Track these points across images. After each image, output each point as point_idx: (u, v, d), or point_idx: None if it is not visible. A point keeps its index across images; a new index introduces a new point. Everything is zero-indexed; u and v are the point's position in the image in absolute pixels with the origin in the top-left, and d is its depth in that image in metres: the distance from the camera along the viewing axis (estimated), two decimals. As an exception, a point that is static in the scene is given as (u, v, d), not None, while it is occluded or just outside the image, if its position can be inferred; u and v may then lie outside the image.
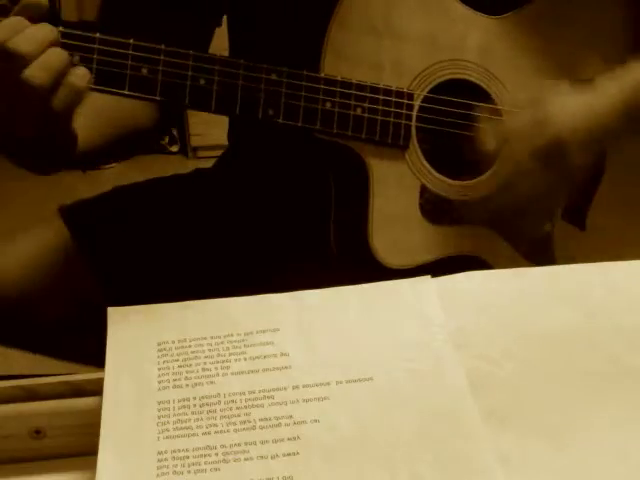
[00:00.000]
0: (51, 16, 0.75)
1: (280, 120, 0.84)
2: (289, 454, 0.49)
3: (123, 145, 0.99)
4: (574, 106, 0.85)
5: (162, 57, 0.81)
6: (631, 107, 0.86)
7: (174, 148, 3.00)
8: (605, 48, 0.93)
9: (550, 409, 0.51)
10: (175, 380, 0.54)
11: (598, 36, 0.94)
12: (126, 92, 0.80)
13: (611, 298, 0.59)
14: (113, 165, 2.91)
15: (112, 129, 0.93)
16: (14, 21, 0.72)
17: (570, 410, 0.51)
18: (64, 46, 0.75)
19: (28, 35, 0.72)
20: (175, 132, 2.98)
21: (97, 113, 0.88)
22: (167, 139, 2.98)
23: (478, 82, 0.90)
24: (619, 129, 0.86)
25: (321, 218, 0.91)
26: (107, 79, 0.79)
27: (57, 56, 0.73)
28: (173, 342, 0.57)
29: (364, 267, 0.88)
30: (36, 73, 0.71)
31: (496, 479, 0.47)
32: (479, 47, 0.90)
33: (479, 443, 0.49)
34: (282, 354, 0.55)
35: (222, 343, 0.56)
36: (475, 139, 0.86)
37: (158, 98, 0.81)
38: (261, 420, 0.51)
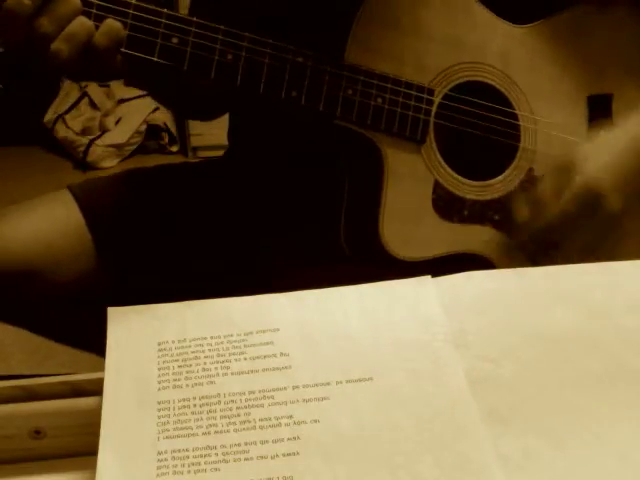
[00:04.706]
0: None
1: (302, 102, 0.85)
2: (289, 454, 0.49)
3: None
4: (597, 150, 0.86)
5: (193, 29, 0.82)
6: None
7: (174, 148, 2.99)
8: (626, 63, 0.94)
9: (550, 409, 0.51)
10: (175, 380, 0.54)
11: (620, 52, 0.94)
12: (155, 59, 0.81)
13: (612, 298, 0.59)
14: (114, 165, 2.92)
15: None
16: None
17: (570, 410, 0.51)
18: (100, 8, 0.77)
19: (50, 13, 0.74)
20: (175, 132, 2.97)
21: None
22: (167, 139, 2.98)
23: (498, 86, 0.91)
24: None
25: (330, 214, 0.92)
26: (138, 44, 0.80)
27: (80, 27, 0.76)
28: (173, 342, 0.57)
29: (373, 258, 0.89)
30: (61, 46, 0.75)
31: (496, 479, 0.47)
32: (501, 53, 0.91)
33: (479, 443, 0.49)
34: (282, 354, 0.55)
35: (222, 343, 0.56)
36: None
37: (185, 68, 0.82)
38: (261, 420, 0.51)
